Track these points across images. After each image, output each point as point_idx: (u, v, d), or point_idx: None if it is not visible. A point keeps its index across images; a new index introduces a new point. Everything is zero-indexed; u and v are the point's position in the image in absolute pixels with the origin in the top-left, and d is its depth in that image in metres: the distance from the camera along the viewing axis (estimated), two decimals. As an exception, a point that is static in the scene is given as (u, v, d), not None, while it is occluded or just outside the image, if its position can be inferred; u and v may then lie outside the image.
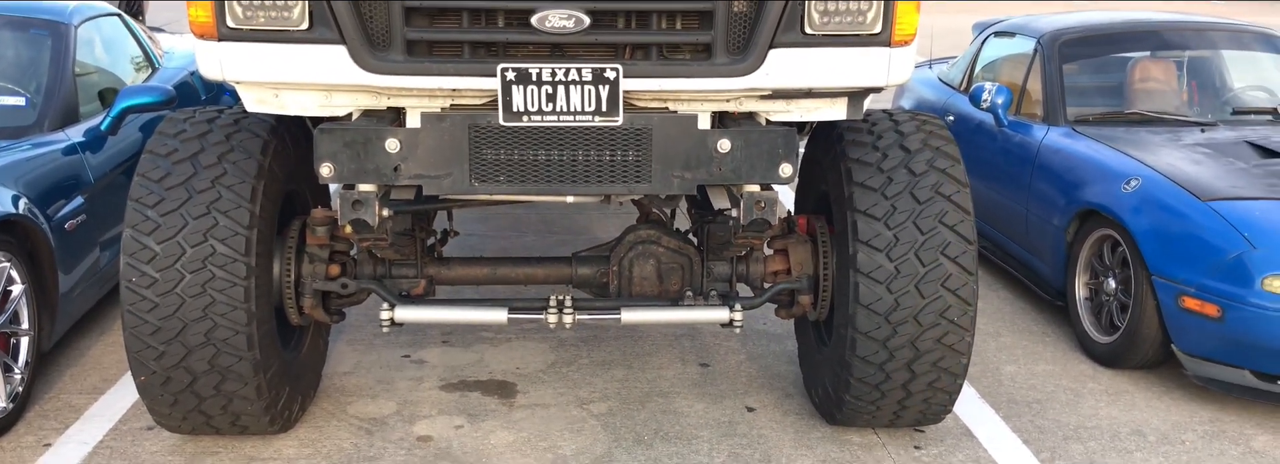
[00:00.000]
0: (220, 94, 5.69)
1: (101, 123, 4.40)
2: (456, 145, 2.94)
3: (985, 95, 5.09)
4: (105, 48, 4.95)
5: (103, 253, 4.25)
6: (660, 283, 3.56)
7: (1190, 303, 3.82)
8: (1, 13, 4.63)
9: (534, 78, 2.86)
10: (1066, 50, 5.18)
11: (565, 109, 2.89)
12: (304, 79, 2.92)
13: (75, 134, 4.27)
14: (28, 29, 4.55)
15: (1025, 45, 5.42)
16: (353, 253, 3.59)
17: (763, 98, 3.07)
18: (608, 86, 2.88)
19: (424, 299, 3.55)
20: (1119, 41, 5.38)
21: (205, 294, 3.12)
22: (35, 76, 4.39)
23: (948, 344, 3.26)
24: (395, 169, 2.94)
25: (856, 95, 3.14)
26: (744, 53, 2.91)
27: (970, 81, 5.89)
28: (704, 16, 2.89)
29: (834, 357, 3.46)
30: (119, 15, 5.26)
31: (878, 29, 2.95)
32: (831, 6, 2.91)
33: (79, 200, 4.09)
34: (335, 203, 3.04)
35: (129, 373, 4.05)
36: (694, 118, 2.98)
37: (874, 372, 3.32)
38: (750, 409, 3.87)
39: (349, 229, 3.13)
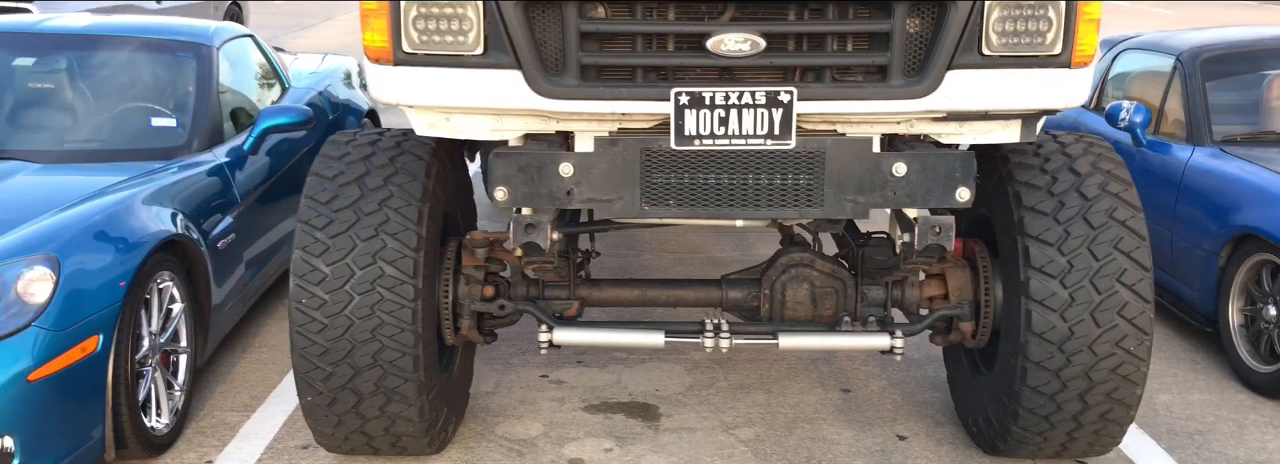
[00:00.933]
0: (345, 115, 5.77)
1: (244, 143, 4.49)
2: (628, 169, 2.93)
3: (1123, 114, 4.96)
4: (241, 68, 5.04)
5: (247, 270, 4.32)
6: (814, 307, 3.50)
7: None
8: (147, 35, 4.74)
9: (707, 101, 2.84)
10: (1209, 68, 5.03)
11: (737, 132, 2.86)
12: (478, 103, 2.93)
13: (221, 154, 4.35)
14: (174, 51, 4.65)
15: (1162, 62, 5.28)
16: (504, 274, 3.60)
17: (935, 120, 3.02)
18: (781, 110, 2.85)
19: (581, 321, 3.54)
20: (1261, 58, 5.22)
21: (374, 316, 3.14)
22: (182, 98, 4.49)
23: (1123, 375, 3.16)
24: (568, 193, 2.93)
25: (1030, 118, 3.07)
26: (921, 74, 2.86)
27: (1100, 99, 5.76)
28: (880, 38, 2.85)
29: (999, 386, 3.37)
30: (252, 36, 5.37)
31: (1058, 50, 2.88)
32: (1011, 27, 2.85)
33: (229, 220, 4.16)
34: (510, 227, 3.03)
35: (276, 390, 4.12)
36: (868, 141, 2.94)
37: (1045, 402, 3.23)
38: (902, 437, 3.79)
39: (519, 252, 3.13)
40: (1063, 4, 2.84)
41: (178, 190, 3.87)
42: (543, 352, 3.41)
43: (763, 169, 2.92)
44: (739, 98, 2.83)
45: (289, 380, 4.18)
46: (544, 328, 3.39)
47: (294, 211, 4.90)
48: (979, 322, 3.45)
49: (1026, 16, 2.85)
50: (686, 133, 2.87)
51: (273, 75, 5.35)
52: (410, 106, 3.01)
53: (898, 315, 3.89)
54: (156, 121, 4.33)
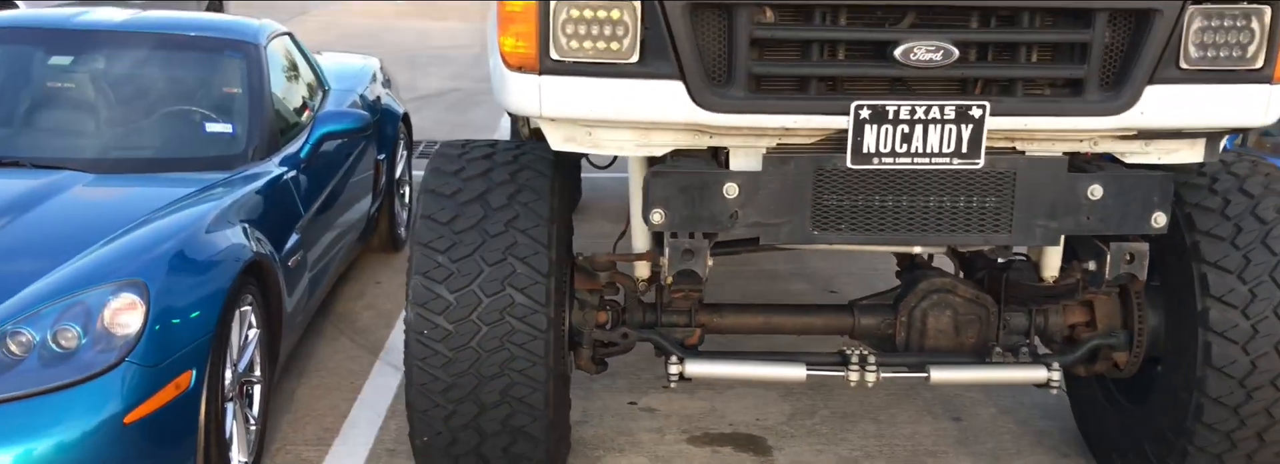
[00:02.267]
0: (384, 119, 5.43)
1: (300, 150, 4.16)
2: (799, 190, 2.66)
3: None
4: (284, 69, 4.71)
5: (308, 289, 3.99)
6: (956, 336, 3.26)
7: None
8: (191, 32, 4.39)
9: (890, 116, 2.59)
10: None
11: (921, 150, 2.62)
12: (633, 117, 2.65)
13: (280, 163, 4.01)
14: (221, 50, 4.31)
15: None
16: (616, 298, 3.32)
17: (1121, 138, 2.79)
18: (971, 125, 2.60)
19: (713, 352, 3.26)
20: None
21: (503, 348, 2.85)
22: (235, 102, 4.15)
23: (1306, 410, 2.96)
24: (731, 216, 2.66)
25: (1215, 136, 2.85)
26: (1118, 89, 2.63)
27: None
28: (1077, 49, 2.61)
29: (1162, 421, 3.15)
30: (289, 34, 5.03)
31: (1259, 64, 2.67)
32: (1211, 39, 2.63)
33: (296, 235, 3.83)
34: (667, 252, 2.74)
35: (348, 421, 3.79)
36: (1063, 161, 2.70)
37: (1219, 440, 3.02)
38: (1032, 471, 3.57)
39: (670, 279, 2.85)
40: (1268, 14, 2.63)
41: (249, 204, 3.54)
42: (672, 385, 3.13)
43: (946, 191, 2.67)
44: (926, 112, 2.58)
45: (360, 411, 3.87)
46: (674, 359, 3.11)
47: (345, 223, 4.59)
48: (1132, 351, 3.23)
49: (1229, 27, 2.63)
50: (865, 150, 2.61)
51: (314, 76, 5.01)
52: (553, 119, 2.72)
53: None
54: (211, 127, 3.99)
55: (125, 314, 2.78)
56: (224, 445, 3.04)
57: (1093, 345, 3.23)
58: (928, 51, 2.54)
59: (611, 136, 2.76)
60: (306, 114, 4.57)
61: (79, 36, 4.26)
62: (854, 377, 3.12)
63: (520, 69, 2.65)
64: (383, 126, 5.32)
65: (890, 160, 2.62)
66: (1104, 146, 2.81)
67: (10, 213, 3.19)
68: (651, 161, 3.07)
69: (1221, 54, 2.65)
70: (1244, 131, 2.87)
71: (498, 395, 2.88)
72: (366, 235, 5.07)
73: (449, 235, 2.89)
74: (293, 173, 4.02)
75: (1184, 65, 2.64)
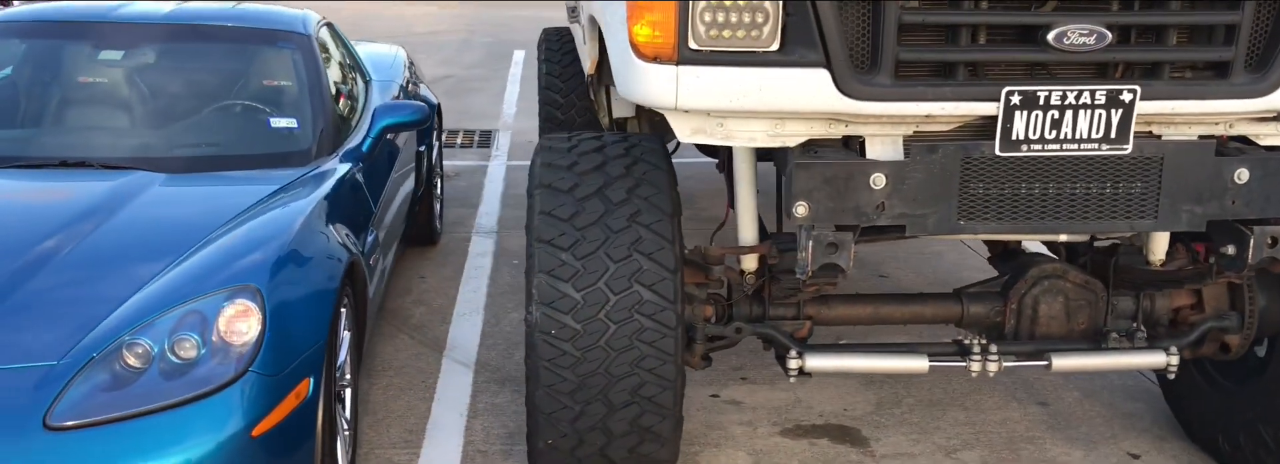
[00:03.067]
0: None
1: (362, 144, 4.03)
2: (945, 180, 2.60)
3: None
4: (332, 60, 4.57)
5: (378, 288, 3.88)
6: (1067, 322, 3.22)
7: None
8: (239, 23, 4.24)
9: (1041, 102, 2.53)
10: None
11: (1070, 136, 2.56)
12: (775, 106, 2.56)
13: (346, 158, 3.88)
14: (274, 42, 4.16)
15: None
16: (719, 290, 3.24)
17: (1259, 120, 2.75)
18: (1120, 110, 2.55)
19: (832, 346, 3.20)
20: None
21: (634, 347, 2.77)
22: (293, 95, 4.01)
23: None
24: (878, 207, 2.59)
25: (1343, 117, 2.82)
26: (1263, 71, 2.59)
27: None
28: (1227, 31, 2.56)
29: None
30: (330, 23, 4.88)
31: (1398, 43, 2.63)
32: None
33: (374, 233, 3.72)
34: (811, 246, 2.66)
35: (431, 422, 3.70)
36: (1210, 145, 2.65)
37: (1341, 420, 3.01)
38: (1134, 456, 3.54)
39: (811, 271, 2.76)
40: None
41: (335, 203, 3.41)
42: (792, 380, 3.07)
43: (1093, 177, 2.62)
44: (1077, 97, 2.52)
45: (441, 411, 3.78)
46: (793, 354, 3.05)
47: (400, 218, 4.47)
48: (1242, 333, 3.21)
49: (1368, 4, 2.60)
50: (1014, 137, 2.55)
51: (356, 66, 4.87)
52: (687, 110, 2.63)
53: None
54: (276, 123, 3.84)
55: (241, 321, 2.66)
56: (334, 454, 2.94)
57: (1205, 328, 3.20)
58: (1080, 35, 2.49)
59: (744, 127, 2.67)
60: (358, 105, 4.44)
61: (125, 30, 4.10)
62: (975, 366, 3.08)
63: (655, 59, 2.55)
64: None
65: (1039, 147, 2.56)
66: (1239, 129, 2.77)
67: (94, 217, 3.05)
68: (763, 153, 3.00)
69: (1356, 33, 2.61)
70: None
71: (628, 395, 2.80)
72: (410, 229, 4.95)
73: (571, 232, 2.80)
74: (360, 168, 3.89)
75: None
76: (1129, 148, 2.58)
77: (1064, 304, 3.21)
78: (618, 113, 3.64)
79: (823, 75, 2.51)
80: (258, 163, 3.66)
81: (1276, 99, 2.61)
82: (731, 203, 3.18)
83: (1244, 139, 2.80)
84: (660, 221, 2.83)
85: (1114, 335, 3.15)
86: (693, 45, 2.52)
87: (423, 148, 5.14)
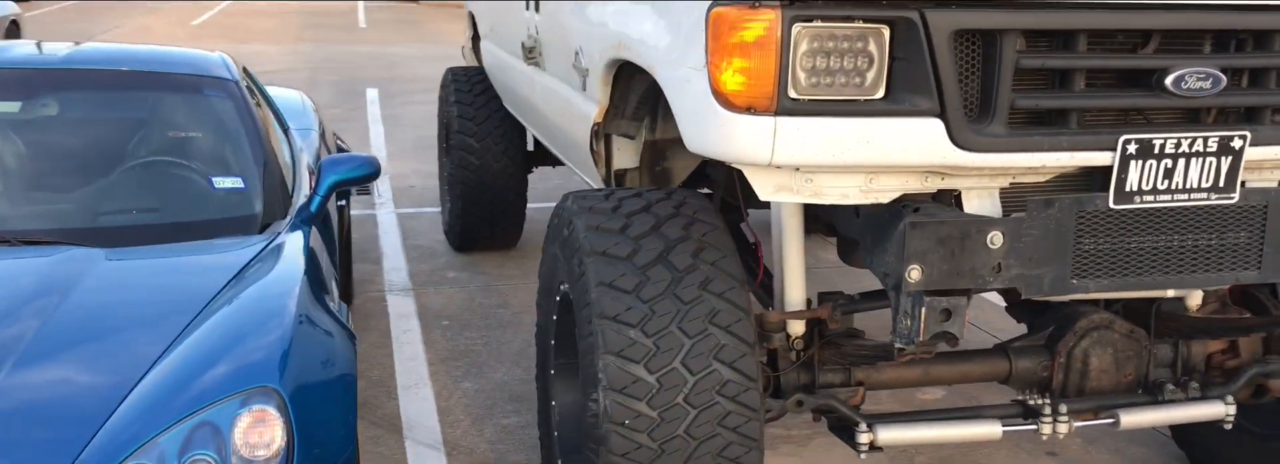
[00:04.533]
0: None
1: (311, 203, 3.55)
2: (1061, 236, 2.39)
3: None
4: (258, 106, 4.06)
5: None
6: (1116, 374, 3.08)
7: None
8: (154, 67, 3.69)
9: (1156, 150, 2.37)
10: None
11: (1181, 187, 2.41)
12: (883, 161, 2.30)
13: (299, 222, 3.38)
14: (199, 89, 3.64)
15: None
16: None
17: (1333, 165, 2.67)
18: (1230, 157, 2.41)
19: (904, 416, 2.94)
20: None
21: (717, 434, 2.44)
22: (231, 150, 3.50)
23: None
24: (995, 269, 2.36)
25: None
26: (1354, 113, 2.52)
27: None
28: (1320, 72, 2.48)
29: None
30: (244, 66, 4.36)
31: None
32: None
33: (342, 306, 3.25)
34: (920, 314, 2.39)
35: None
36: (1312, 192, 2.55)
37: (1399, 463, 2.97)
38: (1165, 506, 3.44)
39: (911, 346, 2.49)
40: None
41: (312, 277, 2.94)
42: (863, 457, 2.80)
43: (1199, 229, 2.47)
44: (1190, 145, 2.38)
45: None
46: (862, 427, 2.78)
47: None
48: (1285, 377, 3.14)
49: None
50: (1128, 188, 2.38)
51: (276, 114, 4.36)
52: (782, 165, 2.34)
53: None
54: (220, 183, 3.33)
55: (262, 431, 2.20)
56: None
57: (1252, 374, 3.12)
58: (1198, 79, 2.34)
59: (836, 183, 2.40)
60: (291, 159, 3.94)
61: (20, 76, 3.50)
62: (1047, 429, 2.89)
63: (749, 110, 2.26)
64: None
65: (1150, 199, 2.40)
66: (1316, 174, 2.69)
67: (36, 308, 2.50)
68: (823, 209, 2.75)
69: None
70: None
71: (712, 489, 2.47)
72: (336, 292, 4.45)
73: (638, 306, 2.46)
74: (313, 232, 3.42)
75: None
76: (1236, 197, 2.45)
77: (1113, 356, 3.06)
78: (618, 165, 3.32)
79: (936, 125, 2.28)
80: (206, 231, 3.15)
81: (1364, 141, 2.54)
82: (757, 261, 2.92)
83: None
84: (733, 289, 2.52)
85: (1170, 387, 3.03)
86: (793, 94, 2.24)
87: (342, 203, 4.67)
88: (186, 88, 3.62)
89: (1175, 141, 2.37)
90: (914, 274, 2.33)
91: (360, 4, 25.09)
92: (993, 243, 2.35)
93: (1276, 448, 3.30)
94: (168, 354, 2.37)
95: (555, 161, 5.95)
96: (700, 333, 2.45)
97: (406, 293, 5.48)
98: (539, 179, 6.27)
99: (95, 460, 2.07)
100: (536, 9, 3.95)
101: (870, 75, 2.26)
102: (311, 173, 3.87)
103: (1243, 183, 2.57)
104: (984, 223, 2.35)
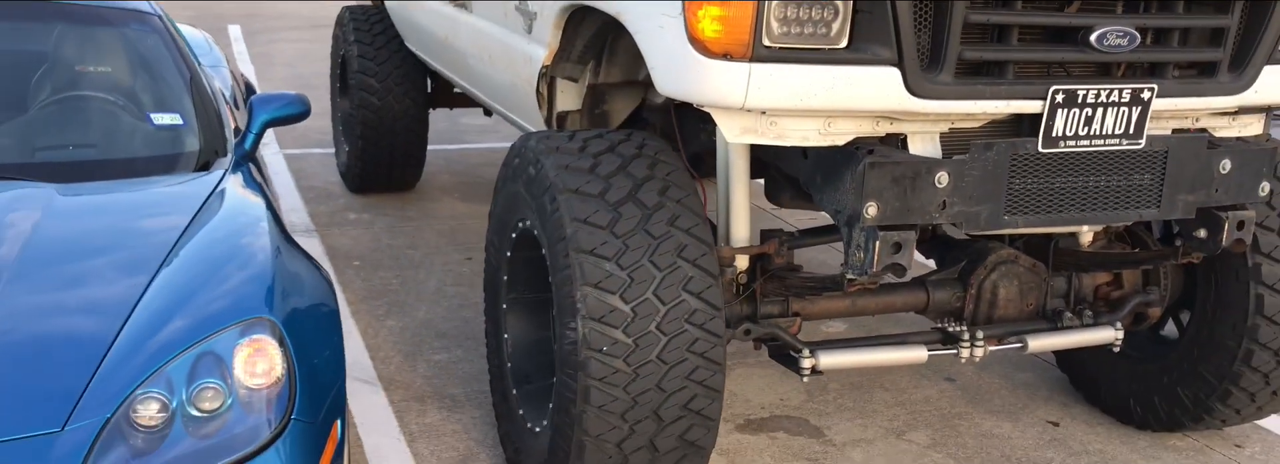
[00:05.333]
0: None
1: (245, 141, 3.54)
2: (996, 177, 2.64)
3: None
4: (175, 44, 3.98)
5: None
6: (1020, 303, 3.39)
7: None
8: (78, 1, 3.59)
9: (1079, 100, 2.63)
10: None
11: (1099, 132, 2.69)
12: (844, 105, 2.50)
13: (240, 160, 3.37)
14: (126, 22, 3.56)
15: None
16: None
17: (1216, 115, 3.00)
18: (1139, 108, 2.70)
19: (839, 342, 3.17)
20: None
21: (686, 358, 2.62)
22: (165, 86, 3.45)
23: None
24: (942, 206, 2.60)
25: (1268, 112, 3.15)
26: (1242, 69, 2.83)
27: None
28: (1217, 33, 2.78)
29: (1204, 367, 3.44)
30: None
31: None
32: None
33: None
34: (878, 246, 2.60)
35: (372, 453, 3.35)
36: (1203, 139, 2.86)
37: (1258, 380, 3.37)
38: (1054, 424, 3.80)
39: (863, 277, 2.70)
40: None
41: (272, 213, 2.98)
42: (805, 379, 3.03)
43: (1112, 171, 2.76)
44: (1109, 95, 2.65)
45: (379, 441, 3.44)
46: (806, 353, 3.01)
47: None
48: (1163, 307, 3.52)
49: (1316, 10, 2.90)
50: (1054, 134, 2.65)
51: (191, 51, 4.27)
52: (753, 109, 2.51)
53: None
54: (159, 119, 3.30)
55: (260, 360, 2.27)
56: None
57: (1134, 303, 3.48)
58: (1117, 36, 2.60)
59: (798, 126, 2.59)
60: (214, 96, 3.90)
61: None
62: (965, 353, 3.18)
63: (725, 56, 2.42)
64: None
65: (1072, 143, 2.67)
66: (1203, 123, 3.02)
67: (3, 246, 2.48)
68: (767, 151, 2.93)
69: (1306, 34, 2.92)
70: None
71: (679, 409, 2.65)
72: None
73: (613, 241, 2.60)
74: (253, 170, 3.42)
75: None
76: (1143, 143, 2.74)
77: (1018, 287, 3.37)
78: (561, 107, 3.42)
79: (893, 73, 2.48)
80: (149, 167, 3.13)
81: (1249, 95, 2.87)
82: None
83: (1202, 132, 3.05)
84: (698, 225, 2.69)
85: (1067, 316, 3.36)
86: (766, 42, 2.41)
87: (253, 142, 4.61)
88: (113, 21, 3.54)
89: (1095, 92, 2.64)
90: (871, 210, 2.54)
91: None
92: (939, 182, 2.58)
93: (1146, 369, 3.68)
94: (150, 288, 2.39)
95: (454, 103, 5.99)
96: (670, 266, 2.62)
97: (310, 234, 5.46)
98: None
99: (106, 387, 2.11)
100: (465, -50, 3.99)
101: (835, 26, 2.44)
102: (233, 110, 3.84)
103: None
104: (933, 164, 2.58)
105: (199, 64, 4.07)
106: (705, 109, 2.58)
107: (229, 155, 3.34)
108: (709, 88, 2.47)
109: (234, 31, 11.44)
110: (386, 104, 5.64)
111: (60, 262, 2.47)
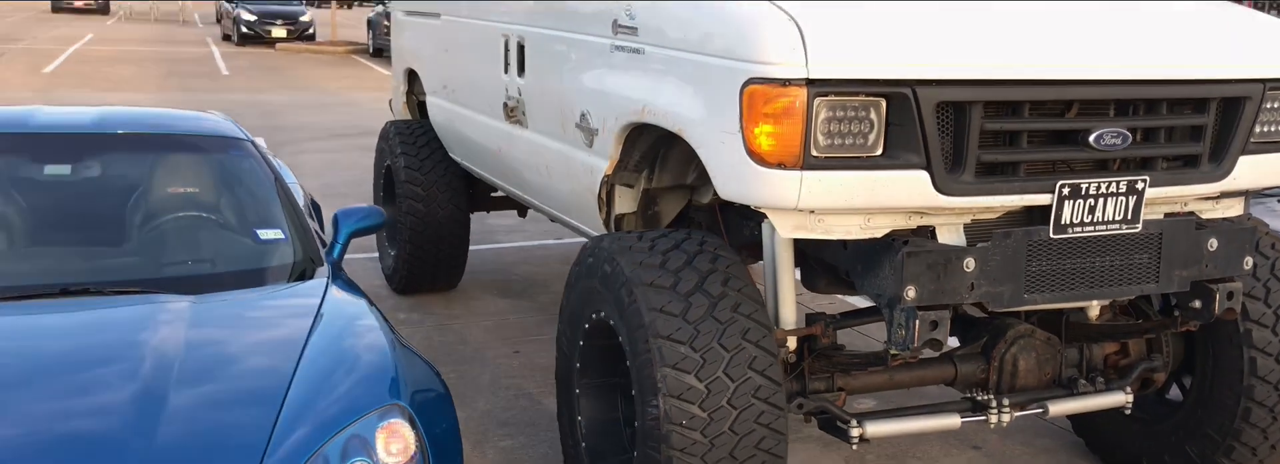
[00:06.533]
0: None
1: (333, 251, 3.95)
2: (1015, 260, 3.05)
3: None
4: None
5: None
6: (1038, 373, 3.76)
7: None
8: (178, 130, 4.04)
9: (1083, 192, 3.06)
10: None
11: (1101, 219, 3.11)
12: (883, 204, 2.93)
13: (333, 268, 3.78)
14: (224, 149, 4.01)
15: None
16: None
17: (1202, 200, 3.43)
18: (1135, 197, 3.13)
19: (885, 412, 3.53)
20: None
21: (754, 430, 2.98)
22: (264, 204, 3.87)
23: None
24: (971, 287, 3.00)
25: (1247, 195, 3.58)
26: (1221, 160, 3.27)
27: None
28: (1197, 130, 3.22)
29: (1208, 425, 3.79)
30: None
31: (1294, 135, 3.42)
32: (1269, 116, 3.34)
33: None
34: (912, 326, 3.00)
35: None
36: (1191, 221, 3.28)
37: (1258, 435, 3.73)
38: (1077, 484, 4.14)
39: (904, 352, 3.08)
40: None
41: (379, 314, 3.36)
42: (855, 447, 3.38)
43: (1115, 252, 3.17)
44: (1108, 187, 3.08)
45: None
46: (854, 423, 3.37)
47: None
48: (1167, 372, 3.89)
49: (1278, 109, 3.36)
50: (1063, 222, 3.06)
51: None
52: (805, 209, 2.93)
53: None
54: (264, 234, 3.71)
55: (395, 442, 2.63)
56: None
57: (1141, 369, 3.85)
58: (1112, 137, 3.05)
59: (841, 222, 3.02)
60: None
61: (58, 141, 3.80)
62: (994, 419, 3.54)
63: (780, 166, 2.84)
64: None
65: (1079, 230, 3.08)
66: (1190, 206, 3.44)
67: (165, 347, 2.85)
68: (809, 244, 3.34)
69: (1276, 128, 3.37)
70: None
71: (752, 475, 3.00)
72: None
73: (686, 326, 2.99)
74: (345, 276, 3.82)
75: (1253, 140, 3.33)
76: (1140, 227, 3.16)
77: (1036, 358, 3.75)
78: (619, 210, 3.85)
79: (923, 176, 2.91)
80: (259, 278, 3.53)
81: (1228, 182, 3.30)
82: None
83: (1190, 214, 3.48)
84: (758, 311, 3.08)
85: (1081, 382, 3.73)
86: (814, 153, 2.84)
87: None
88: (210, 148, 3.98)
89: (1096, 185, 3.07)
90: (910, 293, 2.94)
91: (214, 49, 24.85)
92: (968, 267, 2.99)
93: (1156, 430, 4.03)
94: (293, 384, 2.76)
95: (493, 207, 6.44)
96: (737, 347, 3.00)
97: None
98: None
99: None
100: (521, 74, 4.46)
101: (871, 137, 2.88)
102: (312, 218, 4.26)
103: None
104: (961, 251, 2.99)
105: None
106: (761, 210, 3.00)
107: (325, 265, 3.75)
108: (766, 192, 2.89)
109: (260, 144, 11.95)
110: (432, 210, 6.07)
111: (213, 364, 2.84)
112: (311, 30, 27.16)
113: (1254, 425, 3.71)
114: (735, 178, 2.96)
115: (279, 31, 26.32)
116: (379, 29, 23.47)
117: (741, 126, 2.89)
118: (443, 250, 6.17)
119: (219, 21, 33.09)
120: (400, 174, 6.13)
